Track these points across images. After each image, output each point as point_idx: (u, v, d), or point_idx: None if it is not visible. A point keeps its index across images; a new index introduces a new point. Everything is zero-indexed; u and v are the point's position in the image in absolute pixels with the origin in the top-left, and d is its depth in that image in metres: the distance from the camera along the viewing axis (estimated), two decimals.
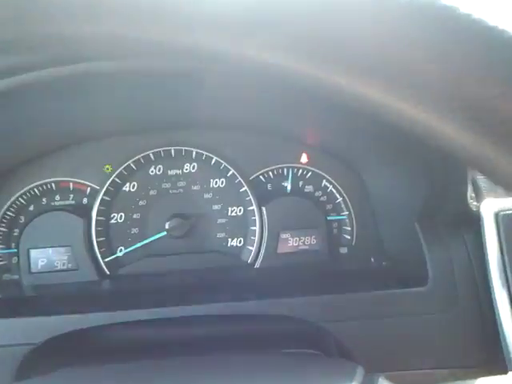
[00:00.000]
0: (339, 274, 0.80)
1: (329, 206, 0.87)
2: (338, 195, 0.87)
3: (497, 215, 0.65)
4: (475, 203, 0.68)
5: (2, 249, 0.83)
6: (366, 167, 0.83)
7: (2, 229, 0.83)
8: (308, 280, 0.76)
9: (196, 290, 0.75)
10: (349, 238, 0.87)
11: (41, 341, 0.65)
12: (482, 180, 0.67)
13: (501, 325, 0.62)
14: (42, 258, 0.81)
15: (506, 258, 0.62)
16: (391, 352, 0.63)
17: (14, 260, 0.82)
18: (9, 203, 0.83)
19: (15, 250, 0.82)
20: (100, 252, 0.82)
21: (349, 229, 0.87)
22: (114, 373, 0.55)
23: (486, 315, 0.64)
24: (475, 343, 0.65)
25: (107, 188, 0.83)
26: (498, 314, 0.62)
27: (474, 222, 0.67)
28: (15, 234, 0.83)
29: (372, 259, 0.81)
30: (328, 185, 0.87)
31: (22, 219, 0.84)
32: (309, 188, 0.87)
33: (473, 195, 0.67)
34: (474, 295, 0.65)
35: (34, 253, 0.81)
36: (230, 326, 0.67)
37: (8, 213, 0.83)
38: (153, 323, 0.67)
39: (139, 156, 0.84)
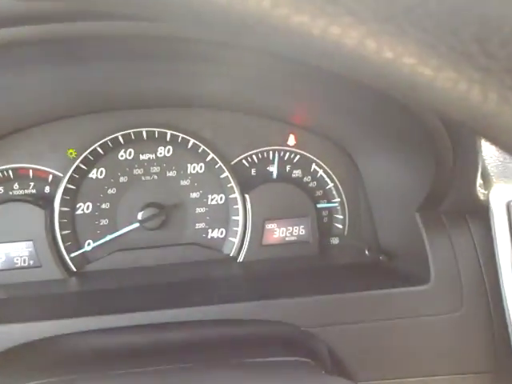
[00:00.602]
0: (330, 269, 0.72)
1: (319, 193, 0.80)
2: (328, 180, 0.79)
3: (508, 205, 0.57)
4: (483, 191, 0.60)
5: None
6: (361, 150, 0.75)
7: None
8: (296, 277, 0.69)
9: (172, 290, 0.67)
10: (340, 227, 0.79)
11: None
12: (492, 165, 0.59)
13: (511, 327, 0.55)
14: (1, 254, 0.73)
15: None
16: (388, 359, 0.57)
17: None
18: None
19: None
20: (65, 247, 0.74)
21: (341, 217, 0.79)
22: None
23: (496, 316, 0.57)
24: (483, 348, 0.58)
25: (71, 175, 0.74)
26: (509, 315, 0.55)
27: (481, 212, 0.59)
28: None
29: (366, 252, 0.73)
30: (318, 169, 0.79)
31: None
32: (297, 173, 0.79)
33: (481, 182, 0.59)
34: (482, 294, 0.58)
35: None
36: (209, 332, 0.59)
37: None
38: (123, 330, 0.59)
39: (107, 139, 0.75)
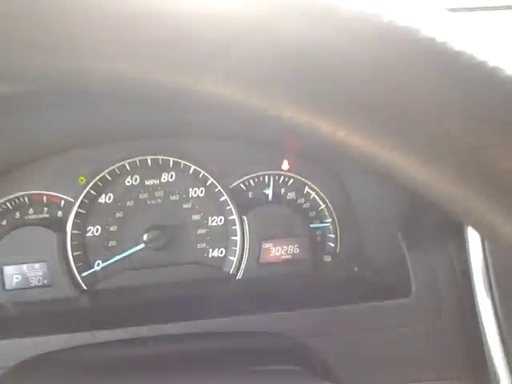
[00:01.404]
0: (322, 285, 0.78)
1: (312, 214, 0.85)
2: (320, 202, 0.85)
3: None
4: None
5: None
6: (349, 174, 0.81)
7: None
8: (290, 293, 0.74)
9: (176, 306, 0.73)
10: (333, 245, 0.85)
11: (13, 363, 0.63)
12: None
13: (485, 337, 0.60)
14: (17, 274, 0.79)
15: (491, 269, 0.61)
16: (374, 366, 0.62)
17: None
18: None
19: None
20: (76, 267, 0.80)
21: (333, 236, 0.85)
22: None
23: (470, 328, 0.62)
24: (460, 356, 0.63)
25: (82, 200, 0.81)
26: (483, 327, 0.60)
27: (458, 230, 0.65)
28: None
29: (355, 269, 0.79)
30: (310, 191, 0.85)
31: None
32: (291, 195, 0.85)
33: None
34: (458, 307, 0.64)
35: (8, 270, 0.78)
36: (211, 343, 0.65)
37: None
38: (131, 342, 0.65)
39: (114, 166, 0.81)
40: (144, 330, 0.63)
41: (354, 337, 0.63)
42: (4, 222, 0.81)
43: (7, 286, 0.78)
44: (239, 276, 0.81)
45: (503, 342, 0.60)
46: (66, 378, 0.63)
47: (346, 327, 0.64)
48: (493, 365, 0.60)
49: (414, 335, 0.62)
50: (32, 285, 0.79)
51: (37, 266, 0.79)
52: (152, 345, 0.63)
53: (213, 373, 0.54)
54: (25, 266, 0.79)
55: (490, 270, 0.61)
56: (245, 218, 0.82)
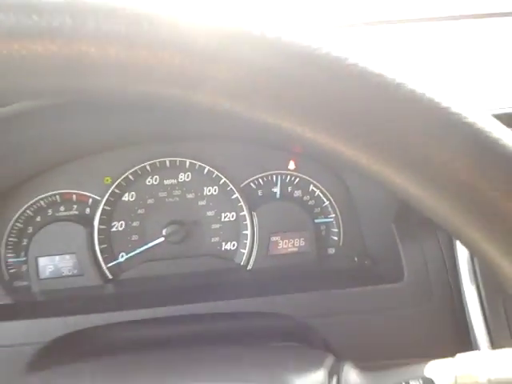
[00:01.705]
0: (325, 273, 0.85)
1: (316, 210, 0.92)
2: (324, 199, 0.92)
3: None
4: None
5: (13, 257, 0.89)
6: (349, 173, 0.88)
7: (11, 239, 0.89)
8: (295, 280, 0.82)
9: (192, 291, 0.81)
10: (336, 239, 0.92)
11: (50, 339, 0.71)
12: None
13: (470, 319, 0.66)
14: (50, 265, 0.87)
15: (475, 257, 0.67)
16: (368, 342, 0.68)
17: (24, 268, 0.89)
18: (17, 215, 0.89)
19: (24, 259, 0.88)
20: (103, 258, 0.88)
21: (336, 230, 0.92)
22: (119, 364, 0.61)
23: (457, 310, 0.69)
24: (448, 335, 0.70)
25: (107, 198, 0.89)
26: (468, 309, 0.67)
27: None
28: (24, 243, 0.89)
29: (356, 259, 0.86)
30: (315, 189, 0.92)
31: (30, 229, 0.90)
32: (297, 193, 0.93)
33: None
34: (446, 291, 0.70)
35: (41, 261, 0.87)
36: (221, 323, 0.72)
37: (17, 224, 0.89)
38: (153, 321, 0.73)
39: (136, 167, 0.89)
40: (163, 310, 0.71)
41: (351, 317, 0.70)
42: (38, 219, 0.90)
43: (41, 276, 0.87)
44: (249, 267, 0.89)
45: (486, 323, 0.66)
46: (94, 353, 0.71)
47: (345, 308, 0.71)
48: (477, 345, 0.66)
49: (405, 316, 0.69)
50: (63, 274, 0.87)
51: (67, 257, 0.88)
52: (170, 322, 0.71)
53: (215, 348, 0.61)
54: (57, 258, 0.87)
55: (474, 258, 0.68)
56: (254, 213, 0.89)
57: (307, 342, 0.70)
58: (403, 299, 0.71)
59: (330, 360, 0.54)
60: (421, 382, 0.48)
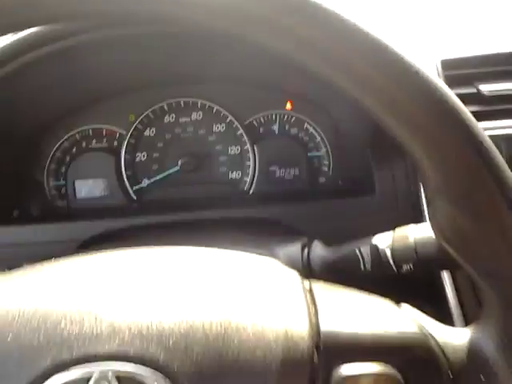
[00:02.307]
0: (314, 192, 1.01)
1: (310, 145, 1.07)
2: (317, 135, 1.07)
3: None
4: None
5: (55, 181, 1.07)
6: (338, 111, 1.03)
7: (52, 166, 1.07)
8: (289, 198, 0.98)
9: (203, 206, 0.97)
10: (326, 169, 1.07)
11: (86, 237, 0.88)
12: None
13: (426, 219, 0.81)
14: (85, 187, 1.05)
15: None
16: (341, 235, 0.80)
17: (63, 190, 1.06)
18: (57, 146, 1.06)
19: (64, 182, 1.06)
20: (128, 183, 1.05)
21: (326, 163, 1.07)
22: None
23: (418, 217, 0.84)
24: None
25: (132, 133, 1.05)
26: (425, 215, 0.82)
27: None
28: (63, 170, 1.07)
29: (340, 182, 1.01)
30: (309, 127, 1.07)
31: (68, 158, 1.07)
32: (293, 130, 1.07)
33: None
34: (410, 203, 0.85)
35: (78, 184, 1.05)
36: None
37: (57, 153, 1.06)
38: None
39: (156, 106, 1.05)
40: (181, 215, 0.88)
41: (332, 222, 0.85)
42: (74, 150, 1.07)
43: (78, 196, 1.05)
44: (251, 191, 1.05)
45: None
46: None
47: (327, 215, 0.86)
48: None
49: (376, 221, 0.83)
50: (96, 195, 1.05)
51: (99, 181, 1.05)
52: (182, 225, 0.87)
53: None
54: (90, 181, 1.05)
55: None
56: (256, 147, 1.05)
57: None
58: (374, 208, 0.86)
59: (303, 238, 0.70)
60: (368, 247, 0.64)
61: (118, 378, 0.37)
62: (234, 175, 1.07)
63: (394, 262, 0.60)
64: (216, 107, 1.05)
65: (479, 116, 0.85)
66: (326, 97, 1.01)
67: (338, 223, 0.86)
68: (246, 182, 1.06)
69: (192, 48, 0.90)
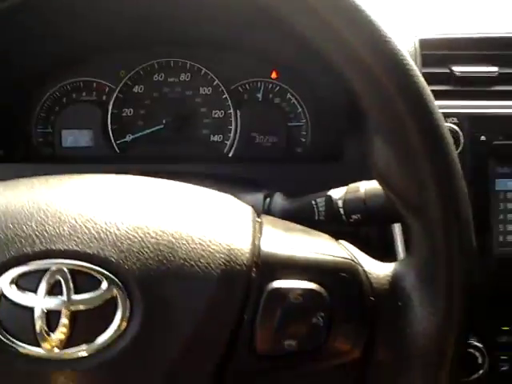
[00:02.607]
0: (290, 160, 1.06)
1: (291, 115, 1.11)
2: (298, 107, 1.11)
3: None
4: None
5: (42, 129, 1.10)
6: (321, 84, 1.07)
7: (42, 114, 1.10)
8: (266, 162, 1.02)
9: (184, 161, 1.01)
10: (304, 140, 1.11)
11: None
12: None
13: None
14: (71, 136, 1.09)
15: None
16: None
17: (50, 138, 1.10)
18: (47, 95, 1.10)
19: (51, 131, 1.10)
20: (113, 136, 1.09)
21: (305, 133, 1.11)
22: None
23: None
24: None
25: (121, 88, 1.09)
26: None
27: None
28: (51, 119, 1.10)
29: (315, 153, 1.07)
30: (291, 98, 1.11)
31: (57, 108, 1.10)
32: (276, 100, 1.11)
33: None
34: None
35: (64, 133, 1.09)
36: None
37: (47, 102, 1.10)
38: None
39: (146, 64, 1.09)
40: (158, 167, 0.92)
41: (302, 185, 0.90)
42: (64, 100, 1.11)
43: (63, 144, 1.09)
44: (231, 154, 1.09)
45: None
46: None
47: (298, 179, 0.90)
48: None
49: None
50: (81, 145, 1.09)
51: (85, 132, 1.09)
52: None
53: None
54: (77, 131, 1.09)
55: None
56: (239, 112, 1.09)
57: None
58: (341, 174, 0.90)
59: (266, 190, 0.75)
60: (323, 198, 0.69)
61: (73, 274, 0.42)
62: (216, 138, 1.12)
63: (344, 212, 0.65)
64: (204, 70, 1.09)
65: (449, 95, 0.91)
66: (312, 69, 1.05)
67: (307, 186, 0.91)
68: (226, 145, 1.10)
69: (185, 9, 0.94)
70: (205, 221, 0.49)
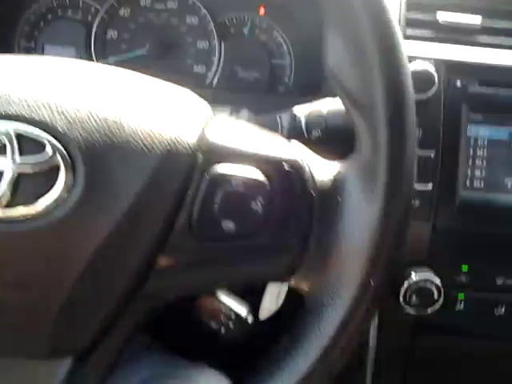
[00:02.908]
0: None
1: (276, 53, 1.11)
2: (283, 44, 1.10)
3: None
4: None
5: (26, 42, 1.10)
6: (308, 24, 1.06)
7: (26, 28, 1.09)
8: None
9: None
10: (287, 80, 1.11)
11: None
12: None
13: None
14: (53, 51, 1.08)
15: None
16: None
17: (33, 53, 1.09)
18: (32, 9, 1.09)
19: (33, 45, 1.09)
20: (95, 56, 1.09)
21: (288, 73, 1.11)
22: None
23: None
24: None
25: (106, 9, 1.08)
26: None
27: None
28: (35, 34, 1.10)
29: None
30: (277, 35, 1.10)
31: (42, 24, 1.09)
32: (262, 36, 1.11)
33: None
34: None
35: (47, 47, 1.08)
36: None
37: (31, 17, 1.09)
38: None
39: None
40: None
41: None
42: (49, 16, 1.10)
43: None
44: (213, 85, 1.10)
45: None
46: None
47: (279, 108, 0.91)
48: None
49: None
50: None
51: (68, 49, 1.08)
52: None
53: None
54: (60, 47, 1.08)
55: None
56: (223, 44, 1.09)
57: None
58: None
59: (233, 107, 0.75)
60: (288, 115, 0.70)
61: (18, 138, 0.43)
62: (199, 69, 1.11)
63: (306, 128, 0.66)
64: None
65: (430, 41, 0.91)
66: (299, 8, 1.05)
67: None
68: (208, 76, 1.10)
69: None
70: (158, 106, 0.50)
